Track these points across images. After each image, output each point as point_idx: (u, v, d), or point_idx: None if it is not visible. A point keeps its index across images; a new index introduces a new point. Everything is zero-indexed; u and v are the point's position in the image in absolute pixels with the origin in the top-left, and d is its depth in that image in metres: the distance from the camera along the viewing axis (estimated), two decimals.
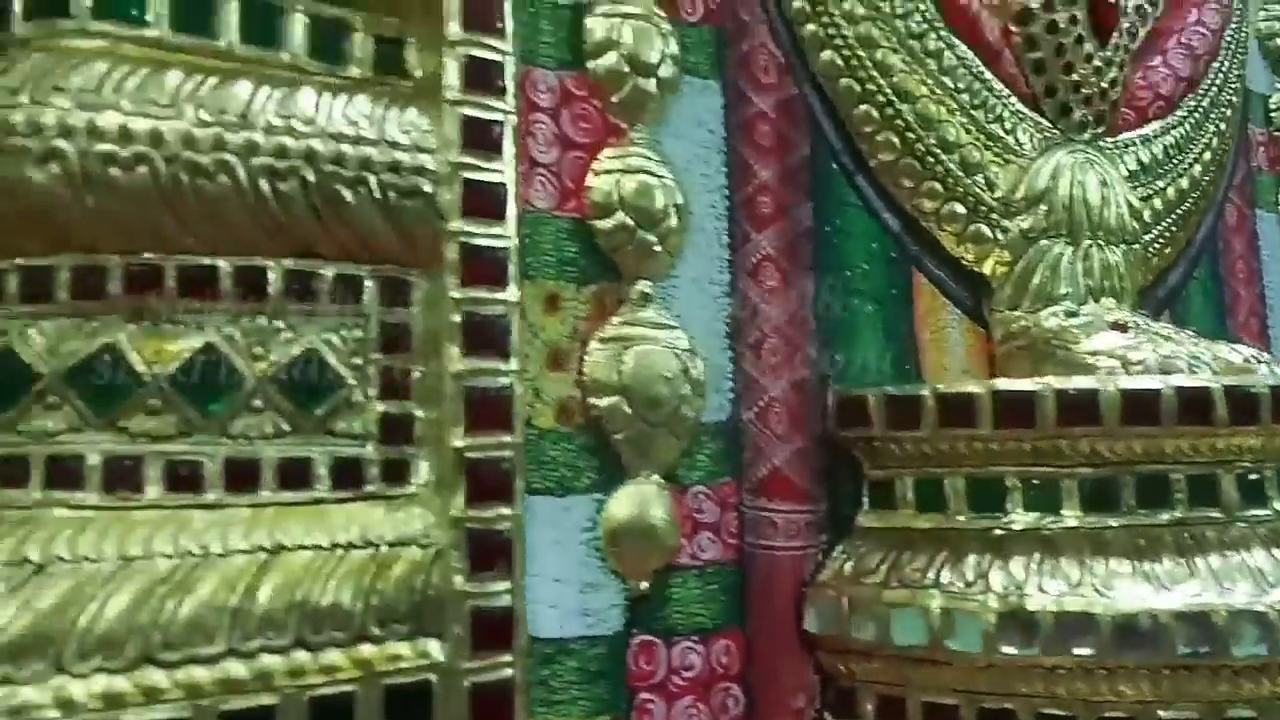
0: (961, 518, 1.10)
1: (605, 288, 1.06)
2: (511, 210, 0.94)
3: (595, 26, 1.08)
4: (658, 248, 1.07)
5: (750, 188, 1.18)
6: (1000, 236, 1.30)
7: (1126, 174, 1.40)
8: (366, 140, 0.89)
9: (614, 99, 1.08)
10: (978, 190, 1.28)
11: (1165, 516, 1.05)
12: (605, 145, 1.07)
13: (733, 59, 1.19)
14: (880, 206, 1.27)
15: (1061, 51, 1.33)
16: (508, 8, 0.96)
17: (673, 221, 1.08)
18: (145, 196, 0.82)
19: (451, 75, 0.92)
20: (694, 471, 1.10)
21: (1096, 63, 1.36)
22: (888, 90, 1.25)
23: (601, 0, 1.09)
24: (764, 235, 1.18)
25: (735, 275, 1.16)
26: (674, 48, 1.11)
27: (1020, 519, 1.07)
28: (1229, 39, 1.57)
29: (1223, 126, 1.56)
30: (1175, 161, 1.47)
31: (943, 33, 1.28)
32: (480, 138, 0.93)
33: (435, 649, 0.85)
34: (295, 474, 0.86)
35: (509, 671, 0.88)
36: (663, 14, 1.12)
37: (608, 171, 1.06)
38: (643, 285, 1.07)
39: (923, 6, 1.27)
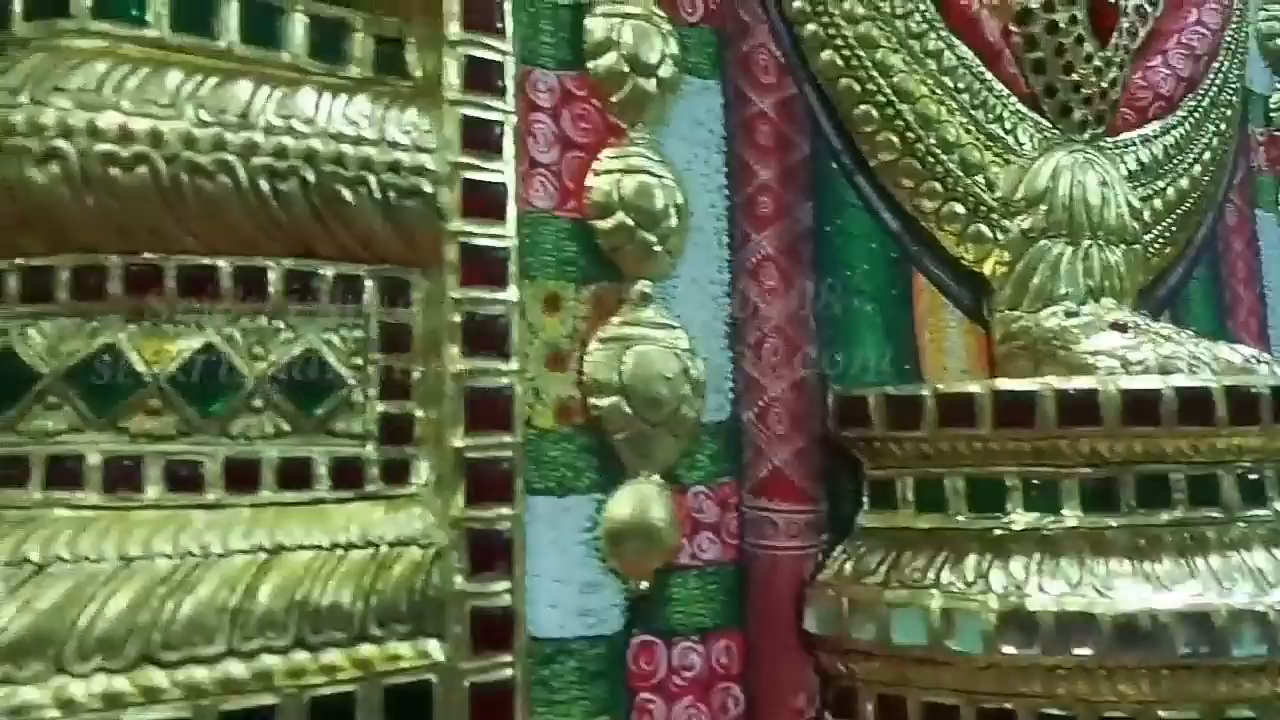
0: (961, 518, 1.10)
1: (605, 288, 1.06)
2: (512, 210, 0.94)
3: (595, 26, 1.08)
4: (658, 248, 1.07)
5: (750, 188, 1.18)
6: (1000, 236, 1.30)
7: (1126, 174, 1.40)
8: (367, 140, 0.88)
9: (614, 99, 1.08)
10: (978, 190, 1.28)
11: (1165, 516, 1.05)
12: (605, 145, 1.07)
13: (733, 59, 1.19)
14: (880, 206, 1.27)
15: (1061, 51, 1.33)
16: (508, 8, 0.96)
17: (673, 221, 1.08)
18: (145, 196, 0.82)
19: (452, 75, 0.92)
20: (694, 471, 1.10)
21: (1096, 63, 1.36)
22: (888, 90, 1.25)
23: (601, 0, 1.09)
24: (764, 235, 1.18)
25: (735, 275, 1.16)
26: (674, 48, 1.11)
27: (1020, 519, 1.07)
28: (1229, 39, 1.57)
29: (1223, 126, 1.56)
30: (1175, 162, 1.47)
31: (943, 33, 1.28)
32: (480, 138, 0.93)
33: (435, 649, 0.85)
34: (295, 474, 0.86)
35: (509, 672, 0.88)
36: (663, 14, 1.11)
37: (608, 171, 1.06)
38: (643, 285, 1.07)
39: (923, 6, 1.27)
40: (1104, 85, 1.37)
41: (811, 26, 1.23)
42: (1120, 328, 1.23)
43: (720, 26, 1.19)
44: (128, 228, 0.82)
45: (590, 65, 1.07)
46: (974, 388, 1.09)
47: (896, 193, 1.27)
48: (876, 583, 1.09)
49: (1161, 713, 0.98)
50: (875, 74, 1.24)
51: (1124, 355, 1.16)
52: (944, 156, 1.27)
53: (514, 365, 0.92)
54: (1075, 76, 1.35)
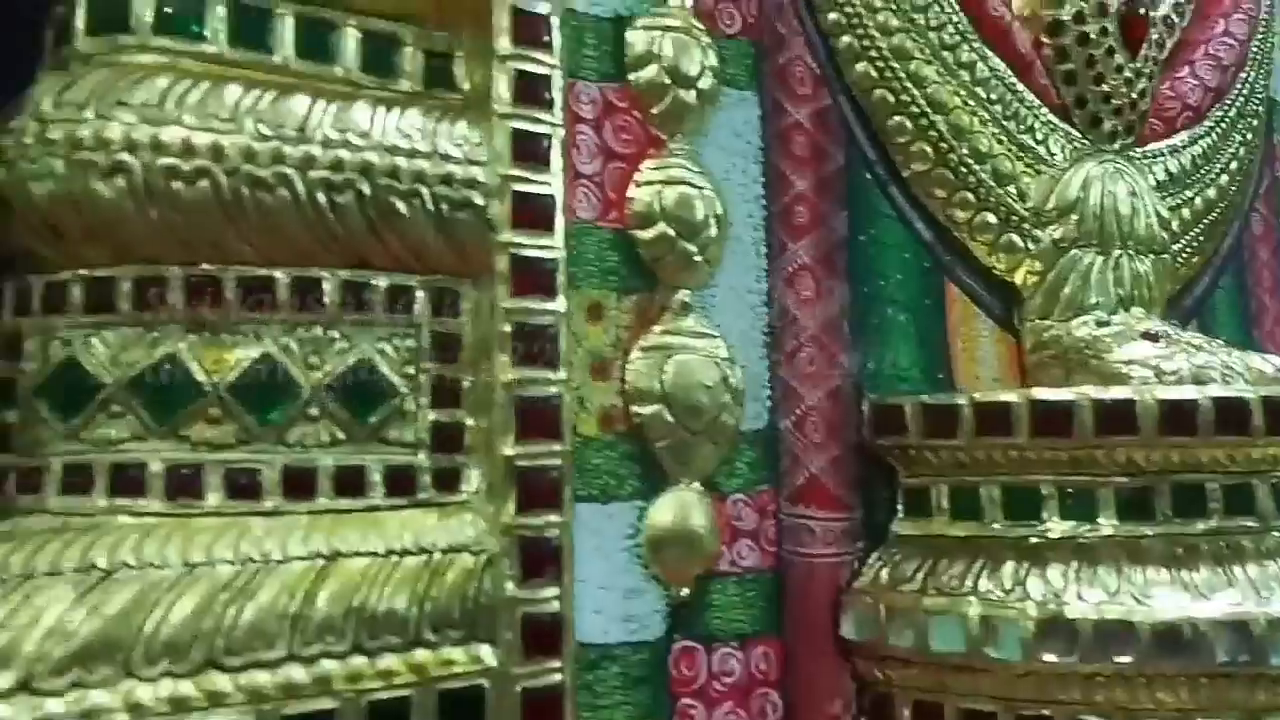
0: (997, 526, 1.11)
1: (646, 297, 1.08)
2: (560, 222, 0.95)
3: (636, 39, 1.10)
4: (698, 257, 1.09)
5: (787, 198, 1.20)
6: (1031, 246, 1.31)
7: (1155, 184, 1.41)
8: (420, 153, 0.90)
9: (654, 110, 1.09)
10: (1009, 200, 1.30)
11: (1201, 525, 1.06)
12: (646, 156, 1.09)
13: (770, 71, 1.21)
14: (913, 216, 1.28)
15: (1092, 63, 1.35)
16: (555, 22, 0.98)
17: (712, 231, 1.10)
18: (206, 209, 0.83)
19: (502, 89, 0.94)
20: (733, 479, 1.11)
21: (1127, 74, 1.37)
22: (921, 101, 1.26)
23: (642, 13, 1.11)
24: (800, 245, 1.19)
25: (772, 284, 1.17)
26: (713, 60, 1.13)
27: (1057, 527, 1.08)
28: (1255, 50, 1.58)
29: (1249, 136, 1.57)
30: (1203, 171, 1.48)
31: (975, 45, 1.29)
32: (530, 150, 0.94)
33: (488, 654, 0.86)
34: (350, 481, 0.88)
35: (559, 677, 0.89)
36: (702, 27, 1.13)
37: (649, 182, 1.08)
38: (683, 294, 1.09)
39: (956, 19, 1.28)
40: (1134, 96, 1.38)
41: (846, 39, 1.24)
42: (1152, 337, 1.24)
43: (758, 39, 1.20)
44: (189, 240, 0.84)
45: (631, 77, 1.09)
46: (1011, 397, 1.10)
47: (929, 203, 1.28)
48: (914, 590, 1.10)
49: None
50: (909, 85, 1.26)
51: (1158, 365, 1.17)
52: (976, 167, 1.28)
53: (562, 374, 0.94)
54: (1105, 87, 1.36)
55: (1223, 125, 1.52)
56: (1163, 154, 1.44)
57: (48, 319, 0.85)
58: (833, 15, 1.24)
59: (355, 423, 0.89)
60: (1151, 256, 1.36)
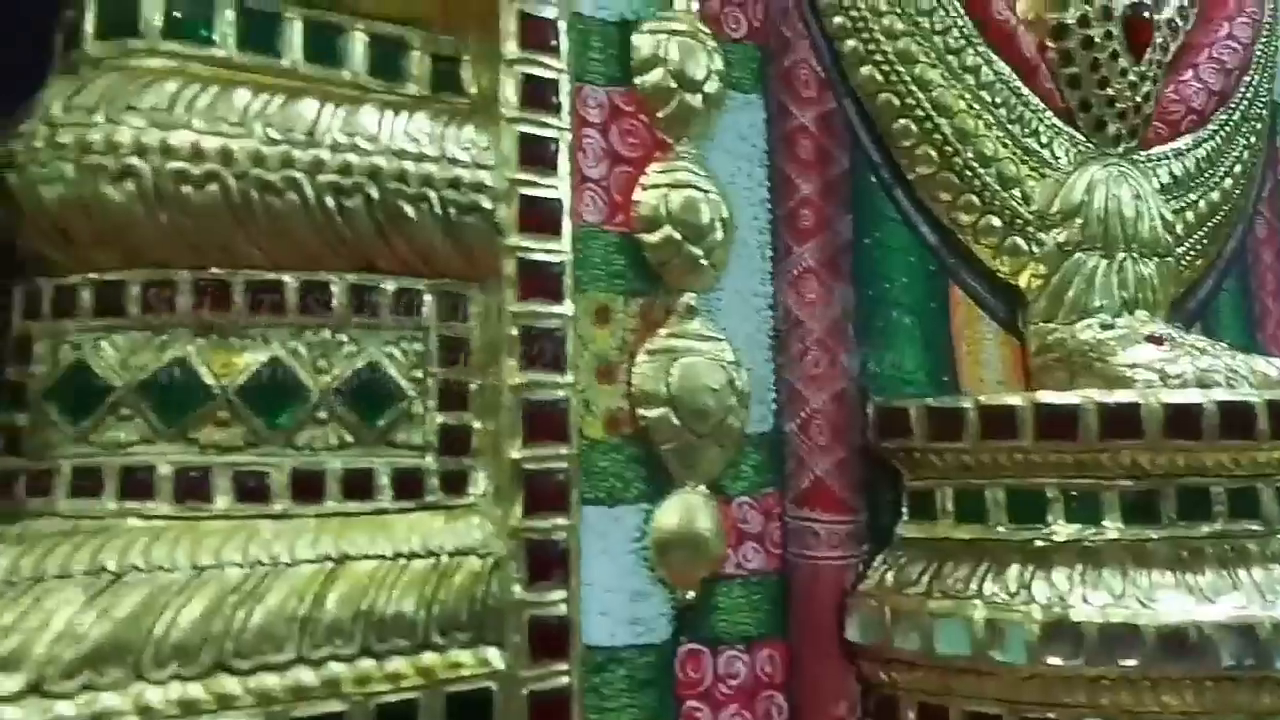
0: (1002, 529, 1.11)
1: (652, 300, 1.08)
2: (567, 226, 0.96)
3: (642, 43, 1.10)
4: (704, 261, 1.09)
5: (792, 201, 1.20)
6: (1036, 249, 1.31)
7: (1159, 187, 1.41)
8: (428, 157, 0.90)
9: (660, 114, 1.10)
10: (1014, 204, 1.30)
11: (1206, 529, 1.06)
12: (652, 160, 1.09)
13: (775, 74, 1.21)
14: (918, 220, 1.28)
15: (1097, 66, 1.35)
16: (562, 26, 0.98)
17: (718, 235, 1.10)
18: (216, 213, 0.84)
19: (509, 93, 0.94)
20: (739, 482, 1.11)
21: (1131, 77, 1.37)
22: (926, 104, 1.26)
23: (648, 17, 1.11)
24: (805, 248, 1.20)
25: (777, 287, 1.17)
26: (719, 64, 1.13)
27: (1062, 530, 1.08)
28: (1259, 53, 1.58)
29: (1253, 140, 1.57)
30: (1207, 175, 1.48)
31: (980, 48, 1.29)
32: (537, 154, 0.95)
33: (495, 657, 0.87)
34: (358, 484, 0.88)
35: (566, 679, 0.90)
36: (707, 31, 1.13)
37: (655, 186, 1.08)
38: (689, 298, 1.09)
39: (961, 22, 1.29)
40: (1138, 99, 1.38)
41: (852, 42, 1.25)
42: (1156, 341, 1.24)
43: (763, 43, 1.20)
44: (198, 244, 0.84)
45: (638, 81, 1.09)
46: (1016, 400, 1.10)
47: (934, 206, 1.29)
48: (919, 593, 1.10)
49: None
50: (914, 89, 1.26)
51: (1162, 368, 1.17)
52: (981, 170, 1.28)
53: (569, 378, 0.94)
54: (1110, 91, 1.36)
55: (1227, 129, 1.52)
56: (1167, 157, 1.44)
57: (58, 322, 0.86)
58: (838, 19, 1.24)
59: (363, 426, 0.89)
60: (1156, 260, 1.36)
